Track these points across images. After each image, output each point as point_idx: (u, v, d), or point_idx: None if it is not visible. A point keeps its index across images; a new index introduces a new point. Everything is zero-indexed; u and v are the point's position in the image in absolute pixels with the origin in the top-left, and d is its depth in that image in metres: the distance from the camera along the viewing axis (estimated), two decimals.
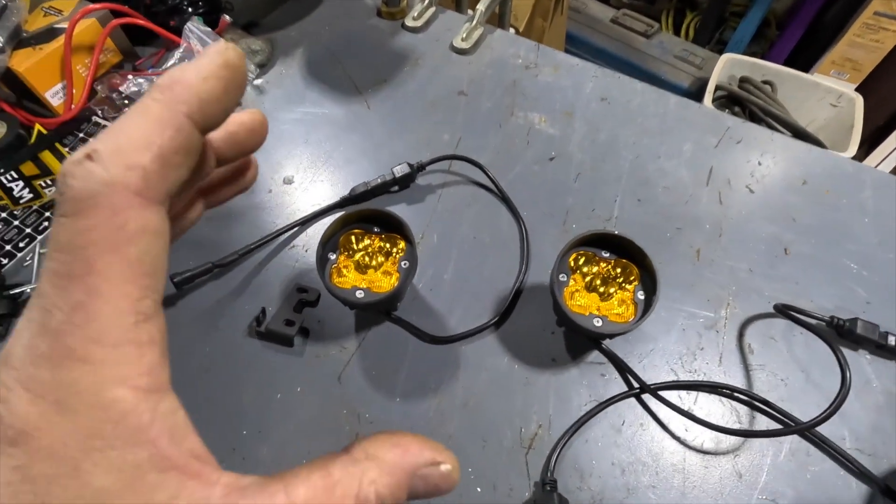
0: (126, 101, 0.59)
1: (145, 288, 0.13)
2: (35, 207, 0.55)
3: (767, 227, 0.53)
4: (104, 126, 0.59)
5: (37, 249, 0.52)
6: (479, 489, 0.41)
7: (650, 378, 0.45)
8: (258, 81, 0.65)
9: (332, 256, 0.44)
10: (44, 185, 0.55)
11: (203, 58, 0.14)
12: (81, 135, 0.60)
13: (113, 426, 0.12)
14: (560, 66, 0.66)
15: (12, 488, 0.12)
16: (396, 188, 0.56)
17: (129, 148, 0.13)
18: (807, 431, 0.41)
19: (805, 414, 0.43)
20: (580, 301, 0.43)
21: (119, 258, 0.13)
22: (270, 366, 0.46)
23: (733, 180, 0.57)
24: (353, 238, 0.45)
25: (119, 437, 0.12)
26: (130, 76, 0.60)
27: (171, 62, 0.61)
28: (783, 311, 0.46)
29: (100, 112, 0.59)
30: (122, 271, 0.13)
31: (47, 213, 0.55)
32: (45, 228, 0.54)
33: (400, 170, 0.54)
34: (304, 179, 0.57)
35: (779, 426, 0.43)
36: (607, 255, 0.44)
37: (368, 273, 0.44)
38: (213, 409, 0.44)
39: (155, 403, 0.13)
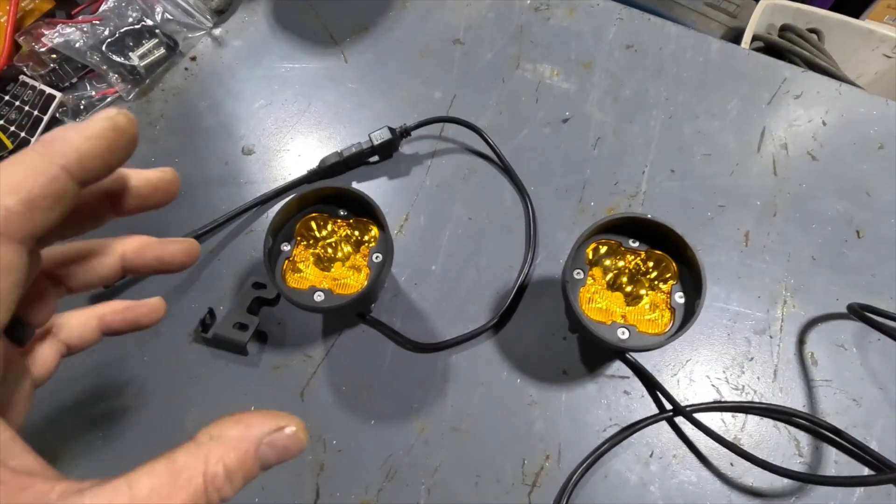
0: (53, 56, 0.49)
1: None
2: None
3: (835, 204, 0.43)
4: (32, 87, 0.50)
5: None
6: None
7: (686, 397, 0.36)
8: (217, 31, 0.55)
9: (287, 248, 0.35)
10: None
11: (92, 120, 0.16)
12: (7, 97, 0.50)
13: None
14: (577, 8, 0.55)
15: None
16: (376, 158, 0.46)
17: None
18: None
19: (884, 445, 0.34)
20: (601, 304, 0.34)
21: None
22: (219, 379, 0.38)
23: (791, 145, 0.46)
24: (312, 224, 0.35)
25: None
26: (61, 24, 0.50)
27: (106, 6, 0.51)
28: (857, 311, 0.37)
29: (26, 70, 0.50)
30: None
31: None
32: None
33: (380, 135, 0.45)
34: (266, 149, 0.48)
35: (851, 460, 0.34)
36: (636, 244, 0.34)
37: (333, 268, 0.35)
38: (149, 433, 0.36)
39: None
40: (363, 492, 0.34)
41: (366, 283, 0.33)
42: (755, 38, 1.11)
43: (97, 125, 0.16)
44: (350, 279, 0.34)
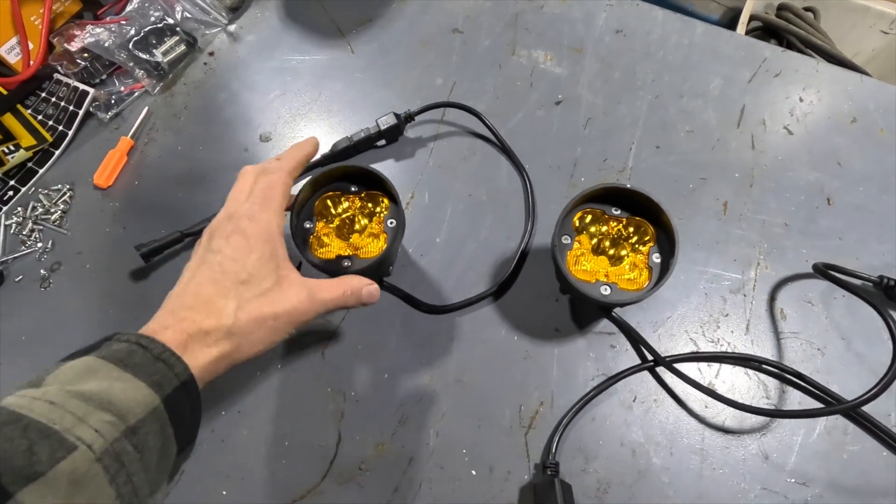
0: (85, 55, 0.53)
1: (285, 201, 0.34)
2: None
3: (808, 174, 0.46)
4: (66, 84, 0.54)
5: (1, 221, 0.49)
6: (473, 472, 0.37)
7: (666, 349, 0.40)
8: (232, 27, 0.59)
9: (309, 225, 0.39)
10: (7, 151, 0.51)
11: (306, 145, 0.37)
12: (43, 94, 0.55)
13: (275, 244, 0.31)
14: None
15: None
16: (383, 142, 0.50)
17: (288, 159, 0.35)
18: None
19: (844, 388, 0.38)
20: (586, 266, 0.38)
21: (280, 192, 0.33)
22: None
23: (769, 121, 0.49)
24: (329, 202, 0.40)
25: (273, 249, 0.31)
26: (90, 26, 0.54)
27: (131, 7, 0.55)
28: (823, 270, 0.40)
29: (60, 68, 0.54)
30: (281, 196, 0.33)
31: (12, 182, 0.51)
32: (10, 199, 0.50)
33: (386, 121, 0.49)
34: (282, 135, 0.52)
35: (813, 402, 0.38)
36: (618, 212, 0.38)
37: (353, 238, 0.40)
38: None
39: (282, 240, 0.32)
40: (379, 435, 0.39)
41: (385, 245, 0.38)
42: (752, 17, 1.13)
43: (307, 146, 0.37)
44: (370, 245, 0.38)
